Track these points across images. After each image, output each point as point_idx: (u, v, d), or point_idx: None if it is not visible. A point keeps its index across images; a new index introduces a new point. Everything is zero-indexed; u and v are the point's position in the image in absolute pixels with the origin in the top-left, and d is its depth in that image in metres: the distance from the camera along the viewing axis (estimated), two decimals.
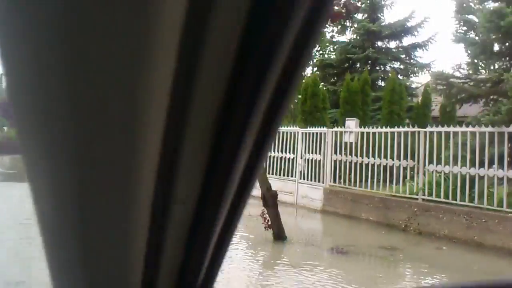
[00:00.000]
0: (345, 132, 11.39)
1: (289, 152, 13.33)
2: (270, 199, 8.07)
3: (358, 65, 26.52)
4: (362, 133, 10.92)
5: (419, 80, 28.28)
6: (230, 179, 0.44)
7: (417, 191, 9.29)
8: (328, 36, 34.69)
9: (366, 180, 10.62)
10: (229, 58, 0.37)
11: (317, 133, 12.29)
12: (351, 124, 11.41)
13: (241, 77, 0.38)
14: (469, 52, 11.54)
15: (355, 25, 25.36)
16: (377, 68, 25.95)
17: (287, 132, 13.50)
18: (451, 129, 8.87)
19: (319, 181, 11.96)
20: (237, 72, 0.38)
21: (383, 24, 24.91)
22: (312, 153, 12.39)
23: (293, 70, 0.40)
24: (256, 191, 14.00)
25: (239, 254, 7.27)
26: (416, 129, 9.63)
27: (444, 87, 9.99)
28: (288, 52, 0.38)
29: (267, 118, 0.41)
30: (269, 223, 8.00)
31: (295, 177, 12.94)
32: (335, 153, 11.58)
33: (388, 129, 10.37)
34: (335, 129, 11.82)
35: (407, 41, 25.78)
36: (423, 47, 25.88)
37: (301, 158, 12.83)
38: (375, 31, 24.44)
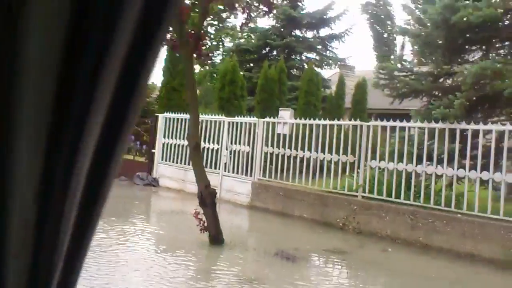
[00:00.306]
0: (278, 123, 10.66)
1: (213, 143, 12.38)
2: (208, 198, 7.13)
3: (275, 53, 26.11)
4: (298, 125, 10.25)
5: (329, 72, 28.45)
6: (73, 183, 0.43)
7: (357, 188, 8.80)
8: (238, 21, 34.10)
9: (301, 175, 9.99)
10: (56, 57, 0.37)
11: (246, 123, 11.47)
12: (285, 114, 10.71)
13: (73, 76, 0.38)
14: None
15: (274, 11, 24.79)
16: (293, 57, 25.67)
17: (211, 121, 12.54)
18: (397, 123, 8.43)
19: (246, 175, 11.17)
20: (68, 71, 0.38)
21: (302, 12, 24.62)
22: (239, 144, 11.55)
23: (139, 64, 0.41)
24: (183, 185, 12.94)
25: (171, 261, 6.26)
26: (358, 122, 9.13)
27: (387, 81, 9.56)
28: (126, 48, 0.39)
29: (115, 117, 0.42)
30: (205, 224, 7.07)
31: (219, 169, 12.05)
32: (266, 145, 10.83)
33: (327, 122, 9.80)
34: (267, 119, 11.05)
35: (324, 32, 25.76)
36: (340, 38, 25.98)
37: (227, 149, 11.95)
38: (296, 17, 24.06)
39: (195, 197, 12.24)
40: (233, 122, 11.91)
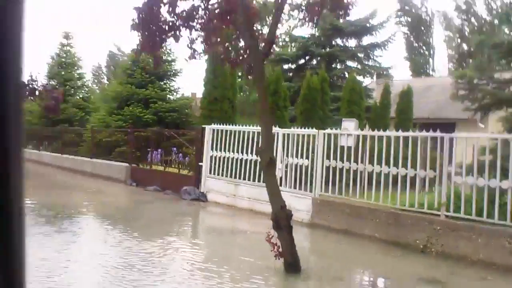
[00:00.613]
0: (341, 134, 9.85)
1: None
2: (283, 220, 6.37)
3: (314, 62, 25.40)
4: (365, 137, 9.43)
5: (367, 81, 27.44)
6: None
7: (439, 206, 7.91)
8: (284, 30, 33.58)
9: (369, 191, 9.16)
10: None
11: (303, 135, 10.70)
12: (350, 125, 9.92)
13: None
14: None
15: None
16: (333, 66, 24.86)
17: None
18: (487, 135, 7.55)
19: (305, 190, 10.39)
20: None
21: (344, 21, 23.84)
22: (296, 157, 10.79)
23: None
24: (233, 200, 12.23)
25: None
26: (438, 134, 8.25)
27: (467, 91, 8.63)
28: None
29: None
30: (280, 250, 6.31)
31: None
32: (328, 158, 10.04)
33: (400, 133, 8.95)
34: (328, 131, 10.27)
35: (366, 40, 24.92)
36: (382, 47, 25.09)
37: (281, 162, 11.20)
38: (342, 27, 23.31)
39: (250, 213, 11.53)
40: (288, 134, 11.17)
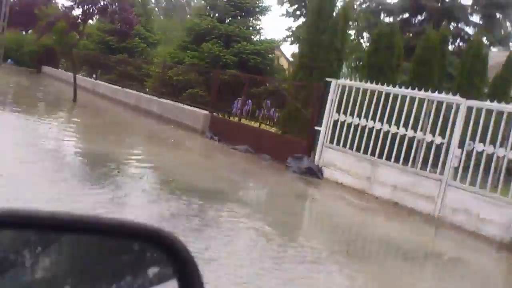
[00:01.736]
0: None
1: (435, 134, 8.29)
2: None
3: (421, 18, 21.52)
4: None
5: None
6: None
7: None
8: None
9: None
10: None
11: (500, 112, 7.27)
12: None
13: None
14: None
15: None
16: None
17: (434, 101, 8.43)
18: None
19: (502, 193, 7.08)
20: None
21: None
22: (491, 144, 7.41)
23: None
24: (367, 184, 8.94)
25: None
26: None
27: None
28: None
29: None
30: None
31: (442, 175, 7.97)
32: None
33: None
34: None
35: None
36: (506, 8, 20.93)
37: (460, 147, 7.85)
38: None
39: (401, 211, 8.28)
40: (478, 108, 7.75)
